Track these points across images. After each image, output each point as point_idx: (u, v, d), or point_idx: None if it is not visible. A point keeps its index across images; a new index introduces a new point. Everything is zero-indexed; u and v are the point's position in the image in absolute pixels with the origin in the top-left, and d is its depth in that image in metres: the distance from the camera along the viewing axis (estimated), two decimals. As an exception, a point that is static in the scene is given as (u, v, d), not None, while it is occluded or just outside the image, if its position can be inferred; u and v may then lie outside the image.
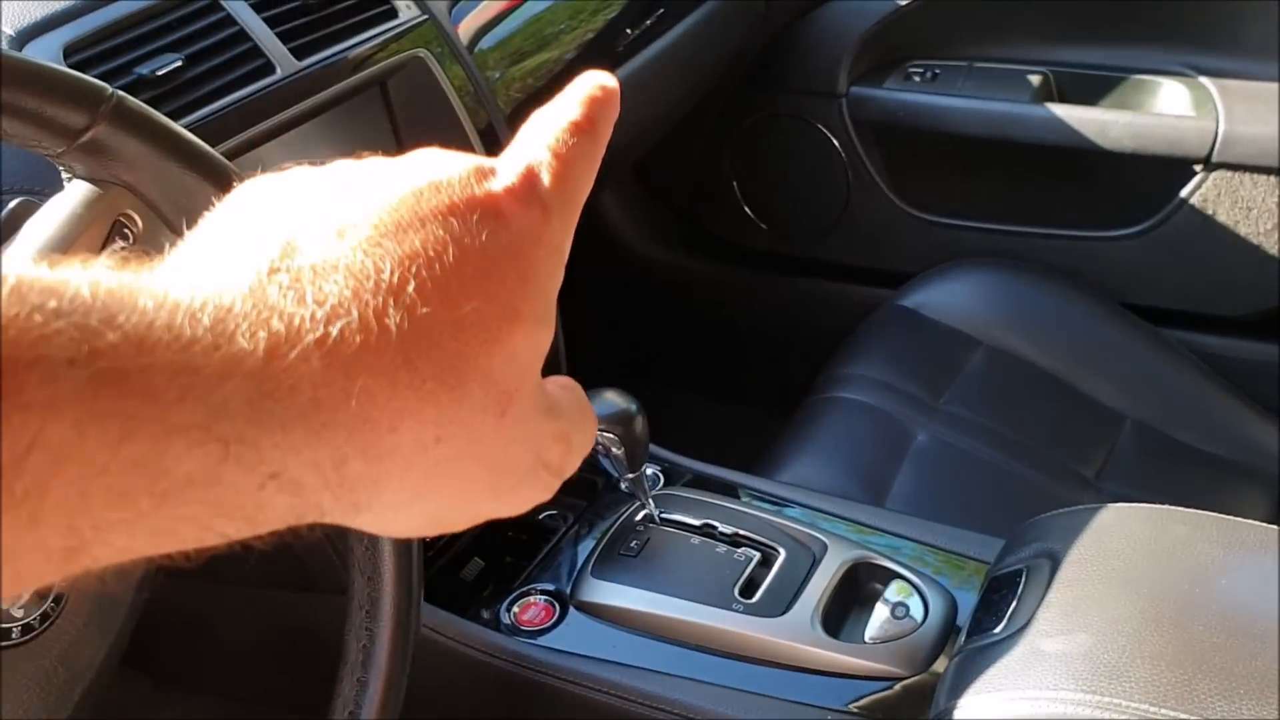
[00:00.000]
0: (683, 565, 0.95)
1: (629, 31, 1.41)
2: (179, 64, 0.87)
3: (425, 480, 0.27)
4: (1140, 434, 1.37)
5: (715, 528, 0.97)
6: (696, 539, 0.97)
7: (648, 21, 1.44)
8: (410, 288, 0.26)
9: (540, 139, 0.31)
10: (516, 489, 0.31)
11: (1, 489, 0.20)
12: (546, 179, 0.30)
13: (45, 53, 0.83)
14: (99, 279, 0.22)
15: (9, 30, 0.83)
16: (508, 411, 0.28)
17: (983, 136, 1.62)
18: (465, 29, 1.15)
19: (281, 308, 0.24)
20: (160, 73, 0.85)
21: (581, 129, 0.32)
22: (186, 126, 0.82)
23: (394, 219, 0.27)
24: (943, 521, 1.05)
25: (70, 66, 0.82)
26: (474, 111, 1.10)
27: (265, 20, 0.94)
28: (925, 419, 1.34)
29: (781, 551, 0.95)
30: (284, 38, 0.94)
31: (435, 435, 0.27)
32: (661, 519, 0.98)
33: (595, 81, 0.33)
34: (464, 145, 1.08)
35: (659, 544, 0.96)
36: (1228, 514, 0.81)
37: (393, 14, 1.03)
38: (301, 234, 0.27)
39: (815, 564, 0.94)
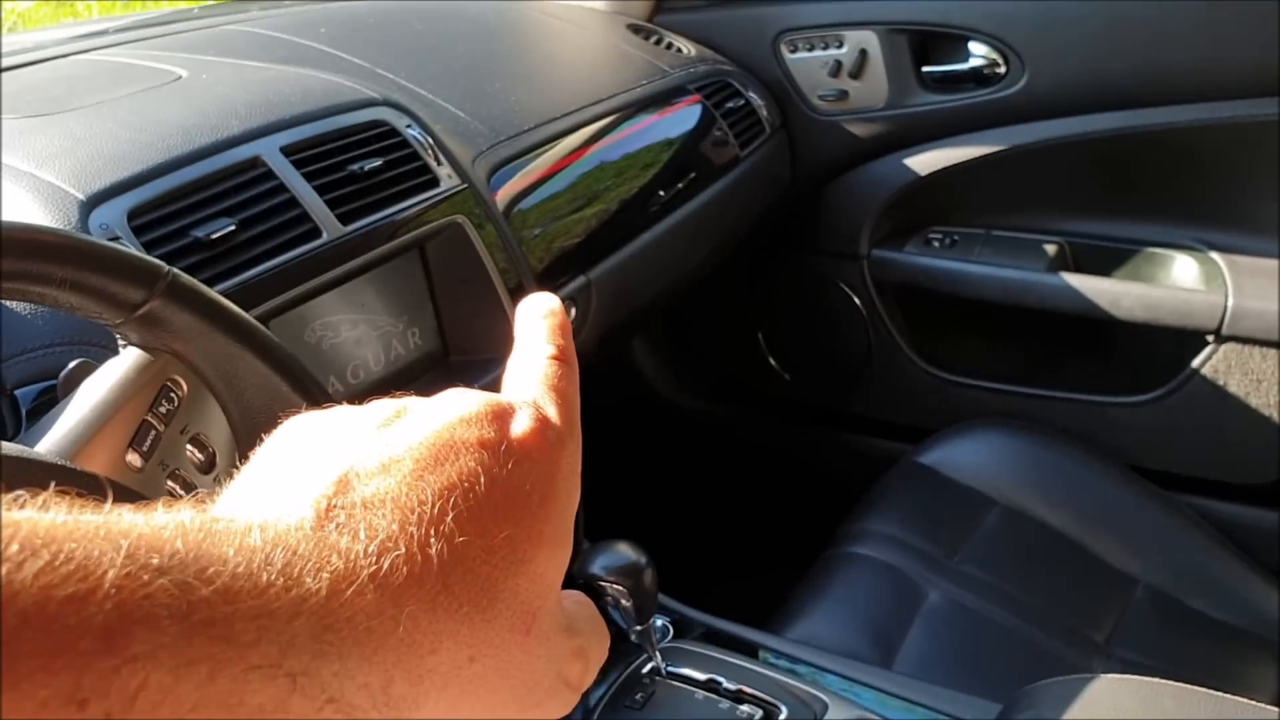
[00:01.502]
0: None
1: (661, 194, 1.48)
2: (232, 228, 0.93)
3: (460, 698, 0.29)
4: (1152, 599, 1.39)
5: (720, 683, 0.99)
6: (701, 694, 0.99)
7: (680, 185, 1.51)
8: (449, 518, 0.29)
9: (536, 378, 0.35)
10: (540, 704, 0.33)
11: None
12: (554, 415, 0.34)
13: (112, 216, 0.89)
14: (187, 528, 0.25)
15: (80, 195, 0.90)
16: (532, 630, 0.31)
17: (1000, 302, 1.67)
18: (504, 194, 1.22)
19: (339, 545, 0.27)
20: (214, 236, 0.91)
21: (563, 360, 0.36)
22: (237, 286, 0.90)
23: (432, 454, 0.30)
24: (950, 683, 1.06)
25: (133, 229, 0.89)
26: (505, 272, 1.16)
27: (315, 188, 1.00)
28: (938, 577, 1.36)
29: (783, 709, 0.97)
30: (331, 204, 1.00)
31: (469, 655, 0.29)
32: (668, 672, 1.00)
33: (547, 308, 0.38)
34: (495, 303, 1.14)
35: (664, 699, 0.99)
36: (1236, 684, 0.83)
37: (434, 183, 1.10)
38: (351, 471, 0.29)
39: (815, 723, 0.96)
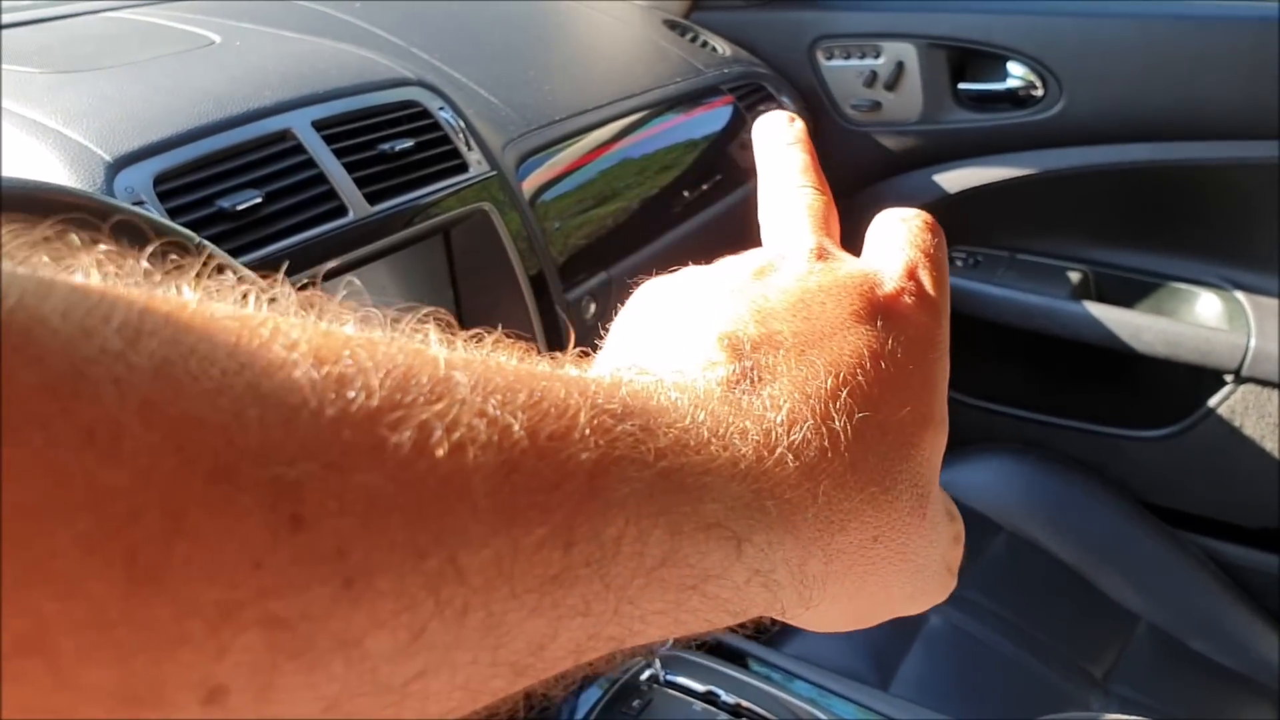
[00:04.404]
0: (683, 732, 0.96)
1: (686, 194, 1.46)
2: (259, 200, 0.91)
3: (863, 578, 0.29)
4: (1153, 637, 1.37)
5: (718, 696, 0.98)
6: (698, 705, 0.98)
7: (705, 186, 1.50)
8: (844, 395, 0.27)
9: (906, 238, 0.33)
10: (925, 589, 0.32)
11: (597, 586, 0.21)
12: (927, 280, 0.32)
13: (138, 180, 0.87)
14: (628, 379, 0.24)
15: (107, 156, 0.88)
16: (926, 513, 0.30)
17: (1019, 326, 1.66)
18: (530, 183, 1.21)
19: (755, 412, 0.26)
20: (240, 207, 0.90)
21: (934, 228, 0.34)
22: (259, 260, 0.88)
23: (811, 327, 0.29)
24: (946, 708, 1.05)
25: (159, 194, 0.87)
26: (527, 259, 1.15)
27: (344, 165, 0.99)
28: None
29: (781, 727, 0.96)
30: (360, 183, 0.99)
31: (874, 535, 0.28)
32: (666, 681, 0.99)
33: (797, 133, 0.37)
34: (515, 292, 1.13)
35: (660, 707, 0.97)
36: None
37: (464, 168, 1.09)
38: (737, 337, 0.28)
39: (813, 743, 0.95)
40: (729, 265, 0.32)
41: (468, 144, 1.12)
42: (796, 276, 0.30)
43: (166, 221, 0.63)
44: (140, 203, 0.86)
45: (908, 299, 0.31)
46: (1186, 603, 1.44)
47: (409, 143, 1.05)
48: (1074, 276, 1.67)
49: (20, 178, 0.57)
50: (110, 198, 0.81)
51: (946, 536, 0.32)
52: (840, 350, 0.28)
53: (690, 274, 0.32)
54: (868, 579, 0.29)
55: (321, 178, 0.97)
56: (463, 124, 1.13)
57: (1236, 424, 1.54)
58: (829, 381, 0.27)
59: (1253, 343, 1.51)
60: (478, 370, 0.21)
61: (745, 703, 0.98)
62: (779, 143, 0.37)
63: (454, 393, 0.20)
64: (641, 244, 1.38)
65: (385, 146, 1.03)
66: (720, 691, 0.98)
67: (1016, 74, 1.61)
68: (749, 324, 0.28)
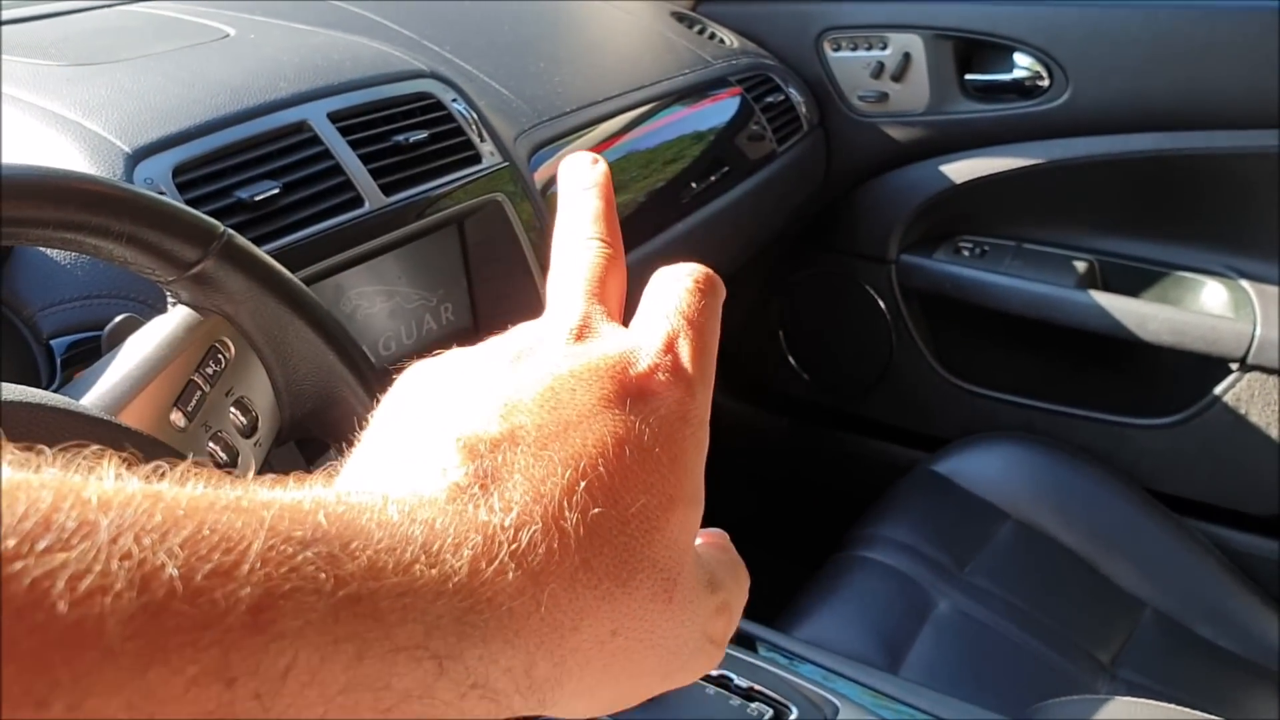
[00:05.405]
0: (695, 717, 0.97)
1: (694, 186, 1.47)
2: (276, 191, 0.92)
3: (604, 672, 0.28)
4: (1160, 623, 1.39)
5: (731, 680, 0.99)
6: (711, 689, 0.99)
7: (712, 178, 1.51)
8: (580, 489, 0.27)
9: (671, 304, 0.32)
10: (685, 666, 0.31)
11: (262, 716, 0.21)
12: (686, 352, 0.31)
13: (157, 171, 0.88)
14: (324, 501, 0.24)
15: (126, 148, 0.89)
16: (674, 596, 0.29)
17: (1026, 315, 1.67)
18: (542, 174, 1.22)
19: (477, 519, 0.26)
20: (258, 198, 0.91)
21: (706, 290, 0.33)
22: (277, 250, 0.89)
23: (556, 418, 0.28)
24: (956, 693, 1.06)
25: (177, 186, 0.88)
26: (539, 249, 1.16)
27: (360, 157, 1.00)
28: (948, 587, 1.36)
29: (794, 710, 0.97)
30: (375, 174, 1.00)
31: (611, 630, 0.27)
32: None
33: (597, 177, 0.36)
34: (528, 282, 1.14)
35: (674, 691, 0.98)
36: (1240, 716, 0.83)
37: (477, 159, 1.10)
38: (475, 438, 0.28)
39: (826, 726, 0.96)
40: (490, 349, 0.32)
41: (480, 135, 1.13)
42: (550, 362, 0.30)
43: (193, 211, 0.64)
44: (160, 194, 0.87)
45: (661, 376, 0.30)
46: (1192, 589, 1.45)
47: (423, 134, 1.06)
48: (1080, 266, 1.68)
49: (52, 166, 0.58)
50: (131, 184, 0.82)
51: (705, 611, 0.31)
52: (583, 441, 0.28)
53: (450, 362, 0.32)
54: (611, 669, 0.28)
55: (338, 169, 0.98)
56: (475, 116, 1.14)
57: (1242, 412, 1.55)
58: (566, 477, 0.27)
59: (1258, 331, 1.52)
60: (137, 507, 0.20)
61: (759, 686, 0.99)
62: (577, 186, 0.37)
63: (95, 536, 0.19)
64: (651, 234, 1.39)
65: (400, 138, 1.04)
66: (733, 676, 0.99)
67: (1022, 65, 1.62)
68: (492, 421, 0.28)
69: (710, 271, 0.35)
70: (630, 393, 0.29)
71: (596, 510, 0.27)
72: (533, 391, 0.29)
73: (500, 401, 0.29)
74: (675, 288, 0.33)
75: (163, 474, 0.23)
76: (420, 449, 0.28)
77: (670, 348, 0.31)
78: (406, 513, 0.25)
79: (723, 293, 0.34)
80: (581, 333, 0.32)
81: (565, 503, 0.27)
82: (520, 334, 0.32)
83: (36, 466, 0.21)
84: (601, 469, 0.28)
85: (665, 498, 0.29)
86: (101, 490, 0.20)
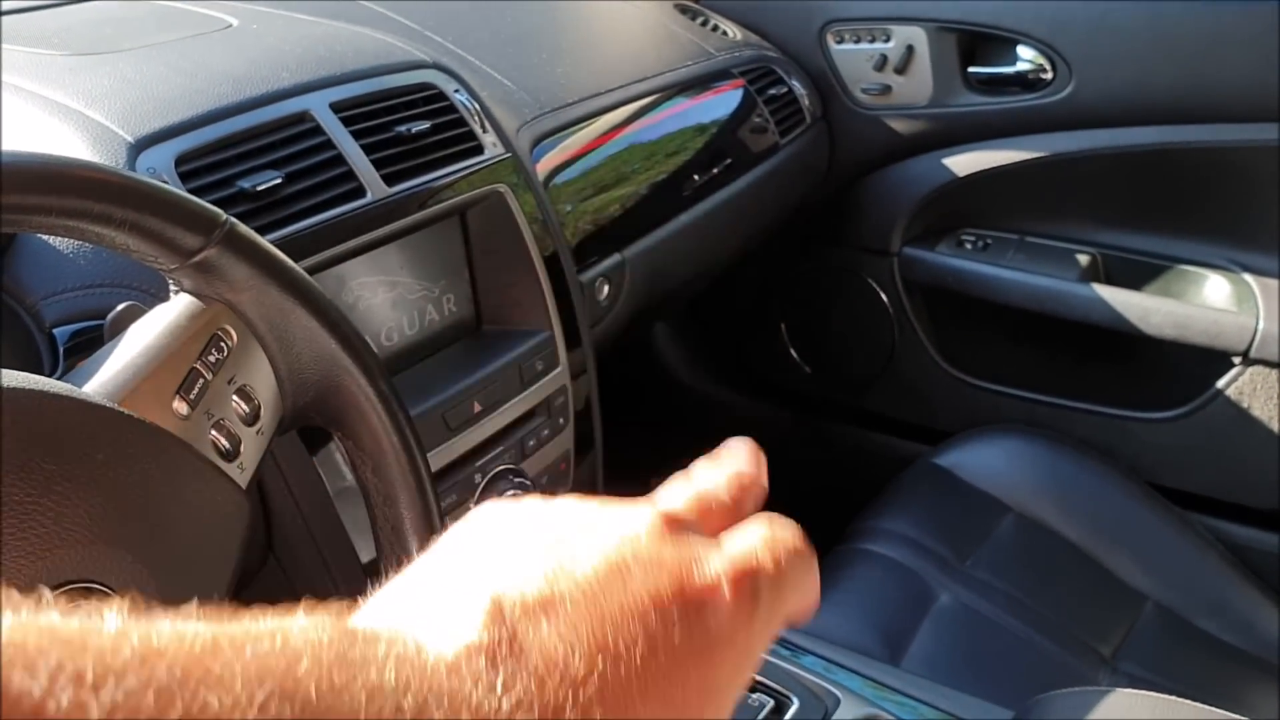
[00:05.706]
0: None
1: (696, 178, 1.47)
2: (278, 181, 0.92)
3: None
4: (1161, 617, 1.39)
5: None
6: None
7: (715, 170, 1.51)
8: (592, 683, 0.25)
9: (770, 536, 0.31)
10: None
11: None
12: (764, 586, 0.29)
13: (160, 160, 0.88)
14: (322, 657, 0.23)
15: (129, 137, 0.89)
16: None
17: (1028, 308, 1.66)
18: (544, 166, 1.22)
19: (474, 698, 0.24)
20: (260, 188, 0.91)
21: (804, 551, 0.32)
22: (279, 239, 0.89)
23: (601, 598, 0.27)
24: (957, 685, 1.06)
25: (180, 175, 0.88)
26: (541, 240, 1.16)
27: (362, 147, 1.00)
28: (950, 580, 1.36)
29: (795, 701, 0.97)
30: (377, 165, 0.99)
31: None
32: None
33: (756, 465, 0.36)
34: (530, 273, 1.14)
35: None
36: (1238, 706, 0.83)
37: (479, 150, 1.10)
38: (510, 600, 0.26)
39: (827, 717, 0.96)
40: (571, 509, 0.30)
41: (483, 126, 1.13)
42: (621, 542, 0.29)
43: (196, 199, 0.64)
44: (163, 182, 0.87)
45: (725, 593, 0.28)
46: (1193, 583, 1.45)
47: (425, 124, 1.06)
48: (1083, 259, 1.67)
49: (54, 154, 0.58)
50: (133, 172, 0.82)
51: None
52: (615, 633, 0.26)
53: (525, 510, 0.31)
54: None
55: (340, 159, 0.98)
56: (478, 106, 1.14)
57: (1244, 405, 1.55)
58: (581, 667, 0.25)
59: (1261, 325, 1.52)
60: (129, 688, 0.20)
61: (759, 677, 0.99)
62: (744, 463, 0.36)
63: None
64: (654, 226, 1.39)
65: (402, 129, 1.04)
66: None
67: (1026, 58, 1.62)
68: (535, 581, 0.27)
69: (808, 547, 0.33)
70: (686, 598, 0.28)
71: (598, 711, 0.25)
72: (589, 564, 0.28)
73: (554, 564, 0.28)
74: (784, 527, 0.32)
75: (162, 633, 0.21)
76: (457, 592, 0.27)
77: (750, 574, 0.29)
78: (403, 682, 0.23)
79: (814, 564, 0.33)
80: (670, 527, 0.30)
81: (571, 695, 0.25)
82: (610, 507, 0.31)
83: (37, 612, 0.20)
84: (622, 668, 0.26)
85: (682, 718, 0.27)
86: (99, 657, 0.20)
